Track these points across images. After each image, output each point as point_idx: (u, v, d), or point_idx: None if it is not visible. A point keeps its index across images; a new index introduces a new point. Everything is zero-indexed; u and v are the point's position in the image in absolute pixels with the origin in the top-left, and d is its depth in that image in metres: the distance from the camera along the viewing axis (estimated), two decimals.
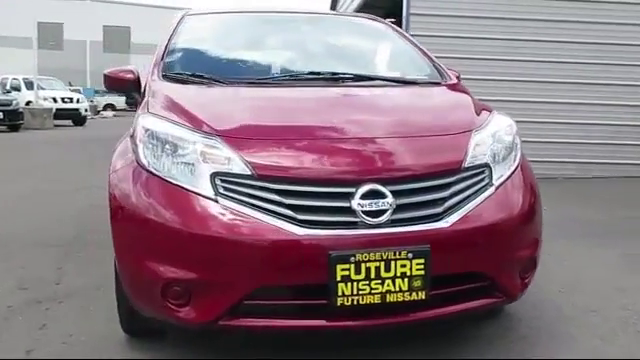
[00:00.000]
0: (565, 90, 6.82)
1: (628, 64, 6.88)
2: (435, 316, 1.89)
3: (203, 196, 1.84)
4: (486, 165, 2.05)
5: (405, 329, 2.24)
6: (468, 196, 1.95)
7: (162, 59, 2.68)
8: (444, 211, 1.88)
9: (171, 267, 1.83)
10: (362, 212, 1.80)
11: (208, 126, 2.00)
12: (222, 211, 1.81)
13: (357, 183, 1.83)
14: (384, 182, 1.85)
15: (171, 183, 1.90)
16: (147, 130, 2.05)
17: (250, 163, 1.86)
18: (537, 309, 2.63)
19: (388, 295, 1.78)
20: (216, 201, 1.82)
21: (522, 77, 6.80)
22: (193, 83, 2.48)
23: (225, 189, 1.84)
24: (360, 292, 1.77)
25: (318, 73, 2.62)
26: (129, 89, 2.90)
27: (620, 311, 2.67)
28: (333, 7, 15.57)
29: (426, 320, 1.90)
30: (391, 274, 1.78)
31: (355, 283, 1.76)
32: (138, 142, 2.05)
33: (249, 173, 1.85)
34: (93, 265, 3.34)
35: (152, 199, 1.91)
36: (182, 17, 3.13)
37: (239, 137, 1.96)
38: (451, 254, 1.85)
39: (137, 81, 2.84)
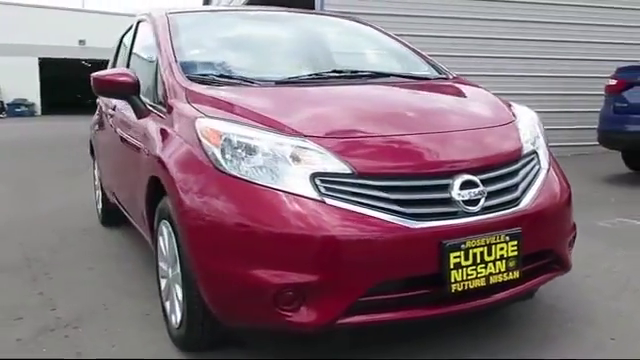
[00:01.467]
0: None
1: (558, 58, 7.68)
2: (521, 292, 2.05)
3: (307, 198, 1.82)
4: (534, 152, 2.24)
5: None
6: (531, 180, 2.13)
7: (175, 60, 2.55)
8: (520, 195, 2.04)
9: (283, 272, 1.78)
10: (462, 202, 1.90)
11: (290, 128, 1.97)
12: (332, 211, 1.80)
13: (452, 175, 1.93)
14: (474, 172, 1.96)
15: (266, 187, 1.85)
16: (223, 135, 1.96)
17: (349, 162, 1.87)
18: None
19: (491, 277, 1.91)
20: (323, 202, 1.81)
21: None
22: (227, 84, 2.39)
23: (327, 189, 1.84)
24: (468, 277, 1.87)
25: (340, 71, 2.66)
26: (124, 93, 2.72)
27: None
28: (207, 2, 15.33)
29: (515, 297, 2.05)
30: (492, 257, 1.90)
31: (464, 269, 1.86)
32: (210, 147, 1.96)
33: (349, 172, 1.86)
34: (75, 286, 3.09)
35: (247, 206, 1.84)
36: (165, 15, 2.98)
37: (327, 137, 1.95)
38: (533, 234, 2.01)
39: (136, 85, 2.66)
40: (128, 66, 3.50)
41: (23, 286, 3.13)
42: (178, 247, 2.09)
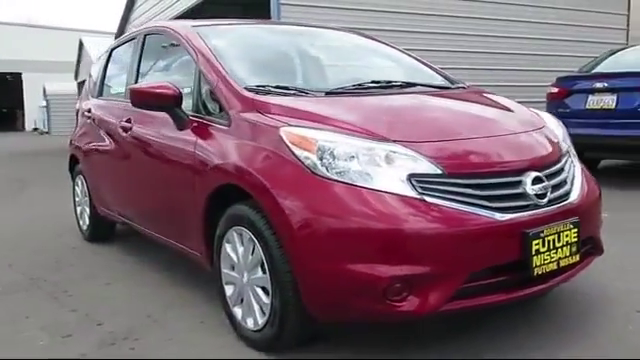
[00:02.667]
0: None
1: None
2: (575, 273, 2.32)
3: (409, 197, 1.99)
4: (567, 151, 2.55)
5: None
6: (573, 176, 2.42)
7: (228, 73, 2.62)
8: (570, 189, 2.32)
9: (393, 266, 1.94)
10: (534, 195, 2.14)
11: (377, 134, 2.13)
12: (433, 208, 1.98)
13: (523, 172, 2.17)
14: (539, 169, 2.21)
15: (368, 189, 1.99)
16: (317, 141, 2.09)
17: (438, 163, 2.06)
18: None
19: (560, 261, 2.16)
20: (423, 200, 1.99)
21: None
22: (284, 95, 2.50)
23: (423, 189, 2.02)
24: (545, 262, 2.11)
25: (378, 82, 2.85)
26: (167, 105, 2.75)
27: None
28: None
29: (572, 278, 2.32)
30: (561, 243, 2.16)
31: (542, 255, 2.10)
32: (304, 154, 2.08)
33: (439, 172, 2.05)
34: (104, 301, 3.05)
35: (354, 207, 1.98)
36: (195, 29, 3.04)
37: (413, 141, 2.13)
38: (585, 223, 2.29)
39: (179, 97, 2.71)
40: (137, 78, 3.50)
41: (49, 305, 3.05)
42: (266, 251, 2.18)
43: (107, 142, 3.71)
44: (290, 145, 2.14)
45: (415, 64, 3.33)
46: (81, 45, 25.96)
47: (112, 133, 3.60)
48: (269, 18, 7.16)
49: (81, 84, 28.32)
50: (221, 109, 2.56)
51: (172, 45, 3.19)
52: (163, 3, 11.84)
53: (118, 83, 3.91)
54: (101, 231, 4.32)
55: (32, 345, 2.53)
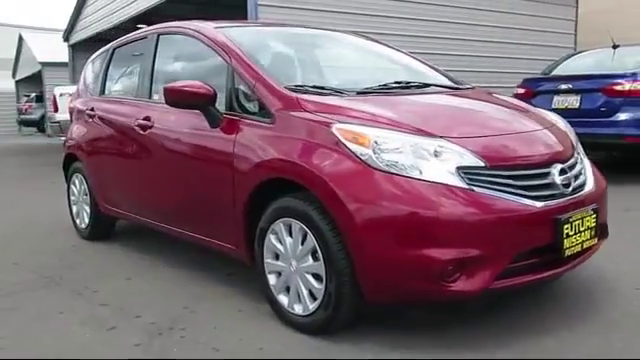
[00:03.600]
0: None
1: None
2: (590, 255, 2.59)
3: (459, 187, 2.19)
4: (577, 146, 2.82)
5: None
6: (585, 168, 2.70)
7: (265, 74, 2.75)
8: (585, 179, 2.60)
9: (448, 250, 2.14)
10: (561, 185, 2.40)
11: (423, 130, 2.33)
12: (482, 197, 2.20)
13: (550, 164, 2.42)
14: (561, 161, 2.47)
15: (424, 180, 2.19)
16: (371, 137, 2.26)
17: (482, 157, 2.28)
18: None
19: (583, 243, 2.43)
20: (472, 190, 2.20)
21: None
22: (320, 94, 2.66)
23: (470, 180, 2.23)
24: (572, 244, 2.37)
25: (399, 82, 3.04)
26: (202, 104, 2.86)
27: None
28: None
29: (588, 259, 2.59)
30: (584, 227, 2.43)
31: (570, 238, 2.36)
32: (359, 149, 2.25)
33: (482, 165, 2.27)
34: (133, 296, 3.12)
35: (412, 197, 2.17)
36: (222, 30, 3.16)
37: (456, 137, 2.34)
38: (600, 210, 2.57)
39: (215, 96, 2.82)
40: (152, 76, 3.56)
41: (77, 301, 3.08)
42: (320, 241, 2.33)
43: (118, 140, 3.74)
44: (344, 141, 2.30)
45: (421, 66, 3.55)
46: (21, 40, 24.97)
47: (125, 131, 3.63)
48: (245, 18, 7.26)
49: (20, 82, 27.23)
50: (261, 107, 2.69)
51: (193, 45, 3.27)
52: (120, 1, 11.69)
53: (127, 82, 3.94)
54: (102, 229, 4.33)
55: (81, 339, 2.58)
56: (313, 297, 2.44)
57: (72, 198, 4.57)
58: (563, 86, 6.26)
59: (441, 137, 2.32)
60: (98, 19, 13.31)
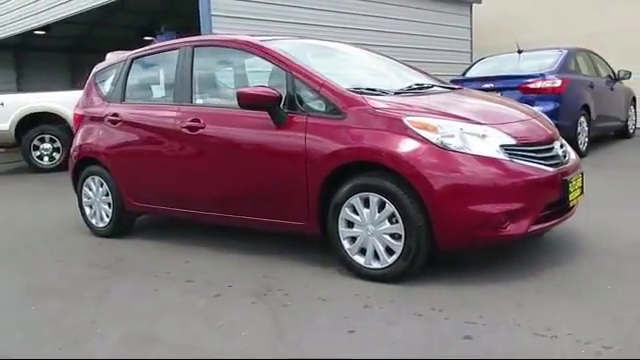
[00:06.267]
0: None
1: None
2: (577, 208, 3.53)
3: (504, 159, 3.01)
4: None
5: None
6: (566, 145, 3.64)
7: (327, 79, 3.40)
8: (570, 153, 3.53)
9: (502, 205, 2.94)
10: (562, 156, 3.30)
11: (472, 120, 3.12)
12: (520, 166, 3.03)
13: (552, 142, 3.32)
14: (556, 140, 3.39)
15: (476, 155, 2.98)
16: (438, 126, 3.02)
17: (514, 137, 3.12)
18: None
19: (576, 199, 3.35)
20: (512, 161, 3.03)
21: None
22: (373, 94, 3.36)
23: (509, 154, 3.05)
24: (573, 198, 3.28)
25: (419, 84, 3.83)
26: (270, 105, 3.43)
27: None
28: None
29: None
30: (576, 187, 3.35)
31: (572, 193, 3.26)
32: (430, 134, 2.99)
33: (514, 143, 3.11)
34: (209, 272, 3.57)
35: (476, 167, 2.94)
36: (270, 42, 3.76)
37: (494, 123, 3.16)
38: (583, 174, 3.52)
39: (280, 98, 3.42)
40: (191, 84, 4.04)
41: (160, 280, 3.49)
42: (399, 207, 3.03)
43: (157, 142, 4.13)
44: (416, 129, 3.03)
45: (412, 70, 4.34)
46: None
47: (167, 133, 4.04)
48: (198, 28, 7.70)
49: None
50: (328, 106, 3.32)
51: (240, 56, 3.83)
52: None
53: (157, 89, 4.35)
54: (124, 226, 4.67)
55: (198, 305, 3.05)
56: (389, 252, 3.13)
57: (85, 200, 4.82)
58: (486, 85, 7.41)
59: (485, 124, 3.12)
60: (14, 19, 12.86)
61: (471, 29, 12.40)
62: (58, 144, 9.82)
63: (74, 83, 16.40)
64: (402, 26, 10.87)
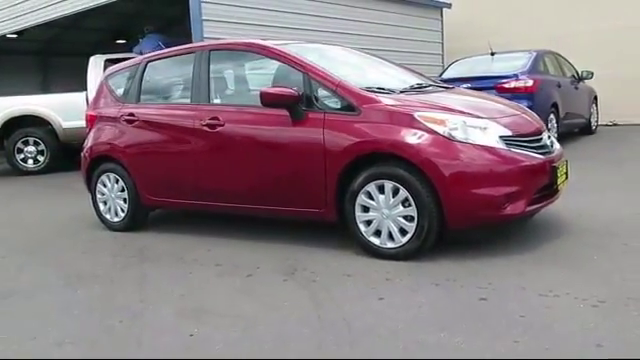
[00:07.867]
0: None
1: None
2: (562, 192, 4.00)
3: (503, 149, 3.44)
4: None
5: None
6: (551, 136, 4.11)
7: (342, 79, 3.77)
8: (554, 143, 4.00)
9: (503, 188, 3.37)
10: (548, 145, 3.76)
11: (473, 114, 3.55)
12: (517, 154, 3.46)
13: (540, 133, 3.78)
14: (543, 131, 3.85)
15: (479, 145, 3.40)
16: (445, 120, 3.43)
17: (509, 129, 3.55)
18: None
19: (562, 183, 3.81)
20: (510, 150, 3.46)
21: None
22: (382, 93, 3.76)
23: (507, 144, 3.49)
24: (560, 183, 3.74)
25: (419, 84, 4.24)
26: (290, 103, 3.79)
27: None
28: None
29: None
30: (562, 172, 3.81)
31: (559, 178, 3.72)
32: (439, 128, 3.40)
33: (510, 134, 3.54)
34: (233, 258, 3.91)
35: (479, 155, 3.36)
36: (281, 45, 4.11)
37: (492, 117, 3.59)
38: (567, 161, 3.98)
39: (300, 97, 3.78)
40: (209, 85, 4.36)
41: (189, 266, 3.80)
42: (412, 192, 3.42)
43: (176, 139, 4.44)
44: (426, 123, 3.44)
45: (407, 71, 4.76)
46: None
47: (186, 131, 4.35)
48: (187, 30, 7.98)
49: None
50: (344, 104, 3.70)
51: (256, 59, 4.17)
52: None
53: (174, 90, 4.66)
54: (139, 220, 4.95)
55: (232, 284, 3.37)
56: (402, 233, 3.52)
57: (99, 196, 5.07)
58: (464, 85, 7.87)
59: (485, 118, 3.55)
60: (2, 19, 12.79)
61: (442, 32, 12.96)
62: (42, 147, 9.93)
63: (47, 86, 16.34)
64: (373, 29, 11.26)
